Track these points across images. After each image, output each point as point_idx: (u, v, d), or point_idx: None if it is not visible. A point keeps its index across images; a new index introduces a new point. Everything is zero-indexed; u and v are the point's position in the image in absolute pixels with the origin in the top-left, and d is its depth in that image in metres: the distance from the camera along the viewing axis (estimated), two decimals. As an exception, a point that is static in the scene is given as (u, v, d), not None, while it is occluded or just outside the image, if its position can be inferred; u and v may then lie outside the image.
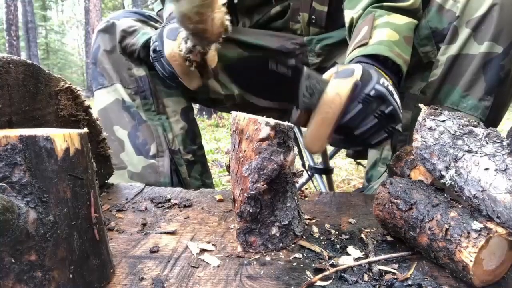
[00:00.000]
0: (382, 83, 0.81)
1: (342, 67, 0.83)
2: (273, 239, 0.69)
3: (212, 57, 1.08)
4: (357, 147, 0.90)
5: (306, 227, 0.77)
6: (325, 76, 0.85)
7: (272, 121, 0.66)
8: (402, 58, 0.92)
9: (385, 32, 0.95)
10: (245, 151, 0.66)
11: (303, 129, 0.87)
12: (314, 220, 0.81)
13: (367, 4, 1.03)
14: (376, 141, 0.85)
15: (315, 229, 0.77)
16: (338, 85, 0.79)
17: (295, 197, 0.72)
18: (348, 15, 1.07)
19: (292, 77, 0.78)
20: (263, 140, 0.65)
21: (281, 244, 0.69)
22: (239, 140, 0.67)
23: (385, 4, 1.01)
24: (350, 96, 0.78)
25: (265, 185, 0.66)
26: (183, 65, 1.02)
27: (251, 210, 0.67)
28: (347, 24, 1.08)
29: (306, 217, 0.82)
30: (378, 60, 0.92)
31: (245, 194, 0.67)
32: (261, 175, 0.65)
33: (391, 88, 0.82)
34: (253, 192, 0.66)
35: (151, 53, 1.08)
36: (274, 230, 0.69)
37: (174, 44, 1.01)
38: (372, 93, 0.80)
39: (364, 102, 0.80)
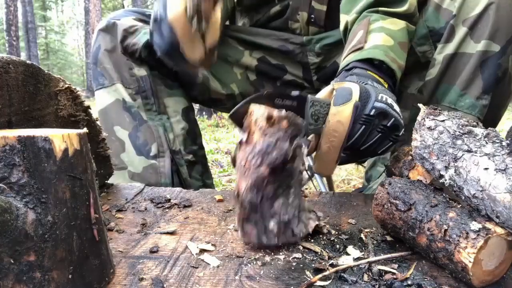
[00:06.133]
0: (381, 98, 0.81)
1: (338, 86, 0.83)
2: (269, 233, 0.68)
3: (216, 23, 1.01)
4: (363, 158, 0.91)
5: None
6: (323, 95, 0.85)
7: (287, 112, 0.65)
8: (397, 64, 0.93)
9: (381, 37, 0.95)
10: (255, 142, 0.66)
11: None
12: (325, 221, 0.81)
13: (362, 8, 1.03)
14: (381, 150, 0.85)
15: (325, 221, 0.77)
16: (338, 112, 0.79)
17: (300, 196, 0.71)
18: (343, 19, 1.08)
19: (297, 107, 0.79)
20: (270, 122, 0.64)
21: (276, 240, 0.68)
22: (251, 130, 0.66)
23: (380, 8, 1.01)
24: (352, 119, 0.79)
25: (268, 170, 0.65)
26: (186, 28, 0.94)
27: (252, 199, 0.66)
28: (342, 28, 1.08)
29: (322, 222, 0.78)
30: (373, 64, 0.92)
31: (249, 181, 0.66)
32: (264, 160, 0.65)
33: (390, 100, 0.82)
34: (255, 175, 0.65)
35: (150, 23, 0.99)
36: (272, 224, 0.67)
37: (179, 3, 0.93)
38: (372, 112, 0.80)
39: (366, 123, 0.80)
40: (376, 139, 0.82)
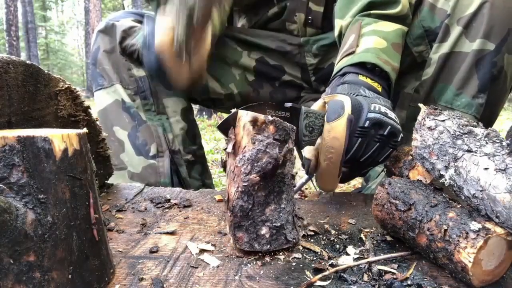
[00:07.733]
0: (373, 108, 0.81)
1: (329, 99, 0.83)
2: (260, 239, 0.66)
3: (204, 50, 1.03)
4: (365, 170, 0.92)
5: (303, 232, 0.75)
6: (316, 107, 0.86)
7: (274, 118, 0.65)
8: (390, 65, 0.92)
9: (372, 40, 0.95)
10: (245, 147, 0.65)
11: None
12: (325, 220, 0.81)
13: (355, 12, 1.03)
14: (382, 158, 0.86)
15: (314, 229, 0.77)
16: (333, 128, 0.80)
17: (292, 202, 0.70)
18: (338, 24, 1.08)
19: (290, 118, 0.79)
20: (256, 127, 0.64)
21: (268, 246, 0.66)
22: (240, 135, 0.66)
23: (372, 12, 1.01)
24: (347, 134, 0.79)
25: (257, 177, 0.64)
26: (173, 58, 0.97)
27: (243, 205, 0.65)
28: (336, 33, 1.08)
29: (312, 228, 0.78)
30: (365, 68, 0.92)
31: (239, 188, 0.65)
32: (254, 167, 0.64)
33: (383, 109, 0.82)
34: (246, 184, 0.64)
35: (141, 42, 1.01)
36: (263, 230, 0.66)
37: (166, 32, 0.94)
38: (366, 124, 0.80)
39: (362, 135, 0.81)
40: (375, 149, 0.83)
